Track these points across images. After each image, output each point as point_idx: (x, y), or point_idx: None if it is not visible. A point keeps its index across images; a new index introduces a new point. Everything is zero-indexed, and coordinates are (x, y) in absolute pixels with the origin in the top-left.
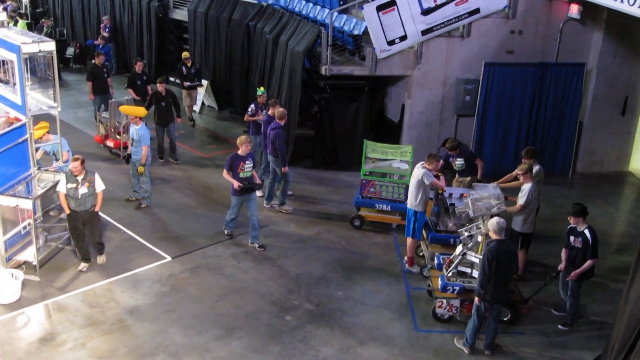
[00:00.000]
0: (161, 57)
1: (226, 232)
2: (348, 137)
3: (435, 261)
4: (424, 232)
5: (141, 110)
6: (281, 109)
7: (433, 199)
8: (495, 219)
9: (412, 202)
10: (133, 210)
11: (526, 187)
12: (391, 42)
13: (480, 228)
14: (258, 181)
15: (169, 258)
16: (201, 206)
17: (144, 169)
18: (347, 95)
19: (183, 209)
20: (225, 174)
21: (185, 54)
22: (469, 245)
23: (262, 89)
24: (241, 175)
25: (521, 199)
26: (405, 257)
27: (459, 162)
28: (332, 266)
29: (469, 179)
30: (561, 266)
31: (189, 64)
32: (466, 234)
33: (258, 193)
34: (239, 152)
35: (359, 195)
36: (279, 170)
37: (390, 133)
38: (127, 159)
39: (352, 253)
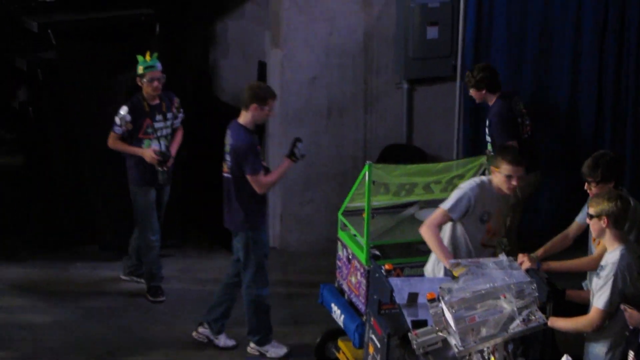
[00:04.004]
0: None
1: None
2: (117, 163)
3: None
4: None
5: None
6: (255, 84)
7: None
8: None
9: None
10: None
11: (610, 258)
12: None
13: None
14: None
15: None
16: None
17: None
18: (107, 51)
19: None
20: None
21: None
22: None
23: (146, 57)
24: None
25: (600, 297)
26: None
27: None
28: None
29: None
30: None
31: None
32: None
33: None
34: None
35: (344, 310)
36: (252, 251)
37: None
38: None
39: None
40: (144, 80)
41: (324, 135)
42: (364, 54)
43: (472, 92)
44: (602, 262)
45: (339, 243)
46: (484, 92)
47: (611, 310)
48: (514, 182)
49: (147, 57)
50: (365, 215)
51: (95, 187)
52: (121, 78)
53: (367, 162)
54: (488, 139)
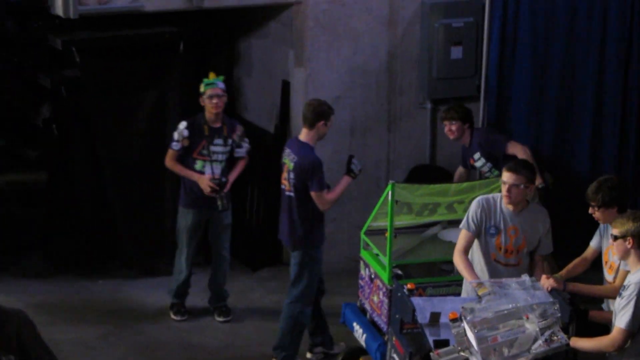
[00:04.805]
0: None
1: None
2: (140, 181)
3: None
4: None
5: None
6: (315, 102)
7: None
8: None
9: None
10: None
11: (633, 279)
12: None
13: None
14: None
15: None
16: None
17: None
18: (131, 69)
19: None
20: None
21: None
22: None
23: (212, 74)
24: None
25: (623, 316)
26: None
27: (478, 162)
28: None
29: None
30: None
31: None
32: None
33: None
34: None
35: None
36: (307, 268)
37: (257, 161)
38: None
39: None
40: (205, 97)
41: (346, 155)
42: (387, 74)
43: (455, 126)
44: (625, 282)
45: (362, 262)
46: (467, 126)
47: (633, 330)
48: (506, 189)
49: (211, 77)
50: (387, 234)
51: (118, 204)
52: (145, 96)
53: (390, 181)
54: (486, 168)
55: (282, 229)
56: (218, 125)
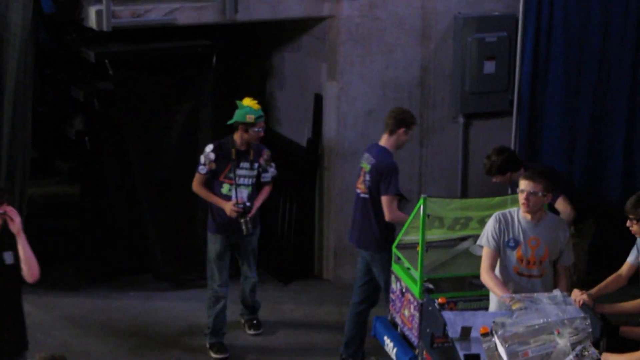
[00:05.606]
0: None
1: None
2: (172, 193)
3: None
4: None
5: None
6: (399, 109)
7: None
8: None
9: None
10: None
11: None
12: None
13: None
14: None
15: None
16: None
17: None
18: (164, 82)
19: None
20: None
21: None
22: None
23: (255, 104)
24: None
25: None
26: None
27: None
28: None
29: None
30: None
31: None
32: None
33: None
34: None
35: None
36: (384, 271)
37: (289, 175)
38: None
39: None
40: (253, 129)
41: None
42: (420, 88)
43: (496, 178)
44: None
45: (393, 276)
46: (508, 174)
47: None
48: (524, 197)
49: (255, 106)
50: (419, 248)
51: (150, 217)
52: (177, 108)
53: (422, 195)
54: None
55: (354, 234)
56: (245, 148)
